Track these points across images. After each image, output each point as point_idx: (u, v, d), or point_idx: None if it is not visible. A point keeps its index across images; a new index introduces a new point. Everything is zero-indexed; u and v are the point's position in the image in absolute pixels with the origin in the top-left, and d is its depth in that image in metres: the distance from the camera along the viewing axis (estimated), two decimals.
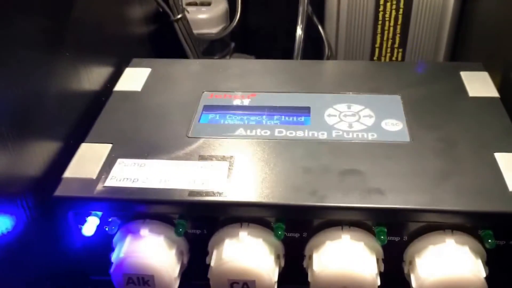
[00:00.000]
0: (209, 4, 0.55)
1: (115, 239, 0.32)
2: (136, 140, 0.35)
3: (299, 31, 0.51)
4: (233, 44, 0.58)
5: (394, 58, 0.52)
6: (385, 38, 0.51)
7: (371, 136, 0.35)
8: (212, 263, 0.30)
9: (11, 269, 0.30)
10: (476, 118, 0.36)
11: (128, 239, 0.31)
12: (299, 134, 0.35)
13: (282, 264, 0.32)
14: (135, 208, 0.31)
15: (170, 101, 0.39)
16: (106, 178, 0.32)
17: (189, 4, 0.55)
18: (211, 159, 0.33)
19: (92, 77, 0.39)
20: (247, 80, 0.41)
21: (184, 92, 0.40)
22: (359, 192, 0.30)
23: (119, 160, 0.33)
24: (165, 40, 0.50)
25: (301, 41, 0.51)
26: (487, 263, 0.30)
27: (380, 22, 0.51)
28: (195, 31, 0.52)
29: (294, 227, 0.31)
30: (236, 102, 0.38)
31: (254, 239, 0.30)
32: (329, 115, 0.37)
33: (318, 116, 0.37)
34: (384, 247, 0.30)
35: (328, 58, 0.53)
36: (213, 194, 0.30)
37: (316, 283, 0.29)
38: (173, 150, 0.34)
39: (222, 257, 0.30)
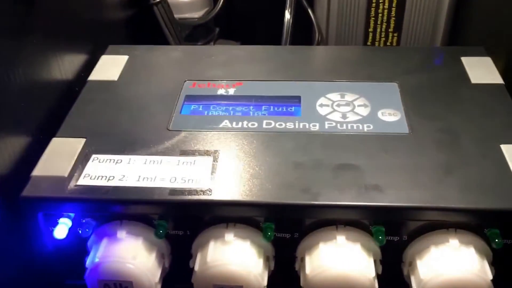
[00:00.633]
0: None
1: (89, 242, 0.31)
2: (112, 134, 0.34)
3: (287, 15, 0.51)
4: (217, 30, 0.58)
5: (388, 43, 0.52)
6: (379, 21, 0.51)
7: (367, 128, 0.34)
8: (196, 267, 0.30)
9: None
10: (479, 106, 0.35)
11: (104, 242, 0.30)
12: (289, 126, 0.35)
13: (272, 267, 0.31)
14: (111, 209, 0.31)
15: (149, 91, 0.38)
16: (79, 176, 0.31)
17: None
18: (194, 154, 0.32)
19: (64, 66, 0.38)
20: (232, 68, 0.40)
21: (164, 81, 0.39)
22: (355, 189, 0.30)
23: (94, 156, 0.32)
24: (144, 25, 0.50)
25: (290, 25, 0.51)
26: (493, 264, 0.30)
27: (373, 5, 0.50)
28: (176, 15, 0.52)
29: (285, 227, 0.30)
30: (221, 91, 0.38)
31: (241, 240, 0.30)
32: (321, 105, 0.36)
33: (309, 106, 0.36)
34: (382, 248, 0.30)
35: (318, 44, 0.52)
36: (196, 192, 0.30)
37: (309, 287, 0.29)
38: (153, 144, 0.33)
39: (206, 261, 0.29)
